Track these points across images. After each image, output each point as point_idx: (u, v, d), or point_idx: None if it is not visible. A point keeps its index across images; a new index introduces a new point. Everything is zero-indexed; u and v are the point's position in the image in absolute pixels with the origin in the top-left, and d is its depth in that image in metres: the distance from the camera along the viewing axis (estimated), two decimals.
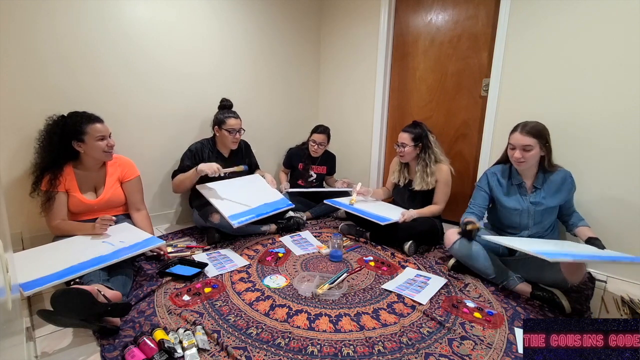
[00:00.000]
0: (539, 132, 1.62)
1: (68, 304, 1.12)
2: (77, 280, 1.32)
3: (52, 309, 1.11)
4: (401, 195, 2.28)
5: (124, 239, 1.58)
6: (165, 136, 2.30)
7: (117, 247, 1.51)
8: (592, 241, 1.57)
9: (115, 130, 1.80)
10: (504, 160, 1.81)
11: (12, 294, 0.84)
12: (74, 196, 1.67)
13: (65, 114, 1.69)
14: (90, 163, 1.71)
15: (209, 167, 1.98)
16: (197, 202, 2.16)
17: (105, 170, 1.79)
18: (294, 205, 2.29)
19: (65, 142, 1.63)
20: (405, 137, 2.12)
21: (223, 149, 2.28)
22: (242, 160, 2.38)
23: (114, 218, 1.62)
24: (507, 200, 1.74)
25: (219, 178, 2.12)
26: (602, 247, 1.53)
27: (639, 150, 1.71)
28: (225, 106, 2.28)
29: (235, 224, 1.89)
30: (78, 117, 1.65)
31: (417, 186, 2.13)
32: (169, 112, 2.29)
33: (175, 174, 2.15)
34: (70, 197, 1.67)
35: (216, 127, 2.21)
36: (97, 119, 1.68)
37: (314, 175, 2.75)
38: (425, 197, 2.16)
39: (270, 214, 2.10)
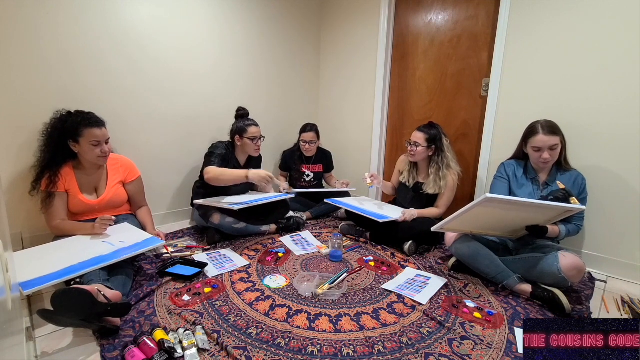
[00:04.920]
0: (558, 129, 1.66)
1: (68, 303, 1.12)
2: (77, 280, 1.32)
3: (52, 309, 1.11)
4: (405, 195, 2.27)
5: (124, 239, 1.58)
6: (165, 136, 2.30)
7: (117, 247, 1.51)
8: (535, 228, 1.57)
9: (117, 128, 1.80)
10: (518, 157, 1.84)
11: (12, 293, 0.84)
12: (75, 196, 1.67)
13: (73, 111, 1.69)
14: (87, 164, 1.71)
15: (262, 178, 1.95)
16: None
17: (106, 171, 1.79)
18: (294, 195, 2.31)
19: (63, 140, 1.63)
20: (419, 137, 2.10)
21: (241, 156, 2.25)
22: (255, 166, 2.34)
23: (113, 218, 1.61)
24: (520, 192, 1.75)
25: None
26: (541, 234, 1.57)
27: None
28: (243, 115, 2.23)
29: (236, 206, 1.90)
30: (79, 117, 1.64)
31: (430, 190, 2.11)
32: (170, 112, 2.29)
33: (206, 165, 2.05)
34: (70, 198, 1.67)
35: (237, 136, 2.17)
36: (97, 123, 1.65)
37: (312, 175, 2.75)
38: (429, 200, 2.15)
39: (271, 200, 2.13)
